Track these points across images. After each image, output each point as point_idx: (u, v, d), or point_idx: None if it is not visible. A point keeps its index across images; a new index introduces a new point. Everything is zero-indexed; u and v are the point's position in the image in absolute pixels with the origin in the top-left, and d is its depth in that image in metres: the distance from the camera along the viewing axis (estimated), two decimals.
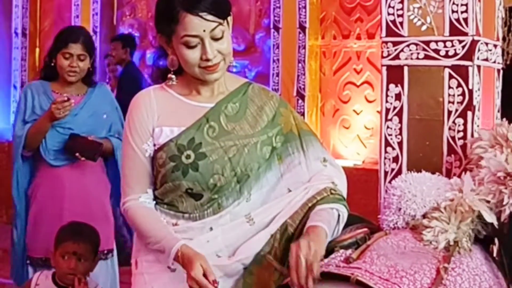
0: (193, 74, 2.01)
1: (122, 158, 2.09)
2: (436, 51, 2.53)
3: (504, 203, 2.12)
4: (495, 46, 2.64)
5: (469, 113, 2.48)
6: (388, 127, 2.62)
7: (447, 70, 2.52)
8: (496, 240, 2.23)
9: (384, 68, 2.65)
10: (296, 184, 2.05)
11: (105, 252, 3.35)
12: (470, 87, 2.48)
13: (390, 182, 2.41)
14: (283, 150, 2.07)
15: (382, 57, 2.65)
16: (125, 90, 5.65)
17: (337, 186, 2.05)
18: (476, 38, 2.49)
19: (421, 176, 2.30)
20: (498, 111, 2.71)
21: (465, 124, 2.49)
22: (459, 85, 2.50)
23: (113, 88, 6.03)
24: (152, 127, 2.03)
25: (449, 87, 2.52)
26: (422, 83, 2.56)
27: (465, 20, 2.48)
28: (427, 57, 2.55)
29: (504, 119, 2.38)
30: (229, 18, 2.02)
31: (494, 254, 2.23)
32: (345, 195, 2.07)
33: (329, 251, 1.99)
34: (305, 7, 5.42)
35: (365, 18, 5.32)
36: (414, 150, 2.58)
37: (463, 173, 2.37)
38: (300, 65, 5.47)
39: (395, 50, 2.61)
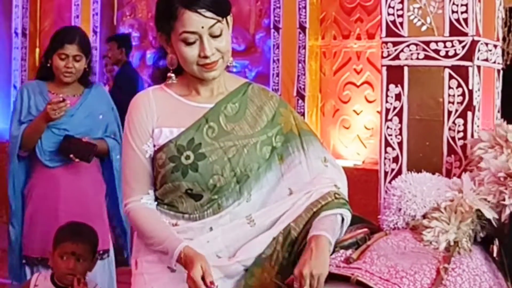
0: (192, 72, 2.01)
1: (123, 159, 2.09)
2: (436, 51, 2.53)
3: (504, 203, 2.12)
4: (495, 46, 2.64)
5: (469, 114, 2.48)
6: (388, 127, 2.62)
7: (447, 71, 2.52)
8: (496, 241, 2.24)
9: (384, 68, 2.65)
10: (296, 184, 2.05)
11: (101, 252, 3.35)
12: (470, 88, 2.48)
13: (390, 182, 2.40)
14: (284, 150, 2.07)
15: (382, 57, 2.65)
16: (120, 90, 5.65)
17: (340, 189, 2.05)
18: (476, 38, 2.49)
19: (421, 176, 2.30)
20: (498, 112, 2.71)
21: (465, 124, 2.49)
22: (459, 85, 2.50)
23: (110, 88, 6.03)
24: (151, 128, 2.03)
25: (449, 88, 2.52)
26: (422, 83, 2.56)
27: (465, 20, 2.48)
28: (427, 57, 2.55)
29: (505, 121, 2.38)
30: (229, 18, 2.03)
31: (494, 255, 2.23)
32: (347, 197, 2.07)
33: None
34: (305, 7, 5.42)
35: (365, 18, 5.32)
36: (414, 151, 2.58)
37: (463, 173, 2.37)
38: (300, 65, 5.47)
39: (395, 50, 2.61)
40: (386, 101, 2.63)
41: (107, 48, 6.44)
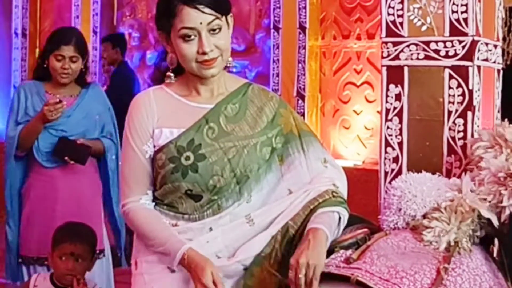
0: (191, 69, 2.01)
1: (122, 159, 2.09)
2: (436, 51, 2.53)
3: (504, 204, 2.12)
4: (495, 46, 2.64)
5: (469, 114, 2.48)
6: (388, 127, 2.62)
7: (447, 71, 2.52)
8: (496, 241, 2.24)
9: (384, 69, 2.65)
10: (296, 185, 2.05)
11: (97, 252, 3.35)
12: (470, 88, 2.48)
13: (390, 182, 2.40)
14: (284, 151, 2.07)
15: (382, 57, 2.65)
16: (116, 89, 5.65)
17: (339, 188, 2.05)
18: (476, 38, 2.49)
19: (421, 176, 2.30)
20: (498, 112, 2.71)
21: (465, 124, 2.49)
22: (459, 85, 2.50)
23: (107, 88, 6.02)
24: (152, 128, 2.03)
25: (449, 88, 2.52)
26: (422, 83, 2.56)
27: (465, 20, 2.48)
28: (427, 57, 2.55)
29: (506, 119, 2.38)
30: (230, 18, 2.03)
31: (494, 255, 2.23)
32: (345, 196, 2.07)
33: (329, 251, 1.99)
34: (305, 8, 5.41)
35: (365, 18, 5.32)
36: (414, 151, 2.58)
37: (463, 173, 2.37)
38: (300, 65, 5.46)
39: (395, 50, 2.61)
40: (386, 101, 2.63)
41: (102, 49, 6.43)
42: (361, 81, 5.35)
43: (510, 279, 2.13)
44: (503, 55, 2.83)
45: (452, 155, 2.50)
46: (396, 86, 2.61)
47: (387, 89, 2.63)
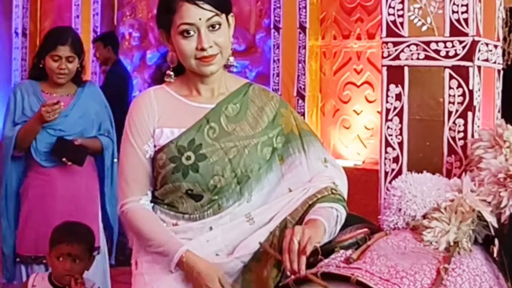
0: (190, 67, 2.01)
1: (122, 159, 2.09)
2: (437, 51, 2.53)
3: (504, 204, 2.12)
4: (496, 46, 2.64)
5: (470, 114, 2.48)
6: (388, 127, 2.63)
7: (447, 71, 2.52)
8: (496, 241, 2.24)
9: (385, 69, 2.65)
10: (296, 184, 2.05)
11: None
12: (471, 88, 2.48)
13: (390, 182, 2.40)
14: (284, 151, 2.07)
15: (383, 57, 2.65)
16: (111, 88, 5.64)
17: (338, 186, 2.05)
18: (476, 38, 2.49)
19: (421, 176, 2.30)
20: (499, 112, 2.72)
21: (465, 124, 2.49)
22: (459, 85, 2.50)
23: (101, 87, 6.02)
24: (152, 128, 2.03)
25: (450, 88, 2.52)
26: (422, 83, 2.56)
27: (466, 20, 2.49)
28: (427, 57, 2.55)
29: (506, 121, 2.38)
30: (230, 18, 2.04)
31: (495, 255, 2.23)
32: (345, 196, 2.08)
33: (329, 251, 1.99)
34: (305, 7, 5.41)
35: (366, 18, 5.32)
36: (415, 151, 2.58)
37: (464, 173, 2.37)
38: (300, 65, 5.46)
39: (396, 50, 2.61)
40: (387, 101, 2.63)
41: (94, 48, 6.42)
42: (361, 81, 5.35)
43: (510, 279, 2.13)
44: (503, 55, 2.83)
45: (452, 155, 2.51)
46: (397, 86, 2.61)
47: (388, 89, 2.63)
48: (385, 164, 2.63)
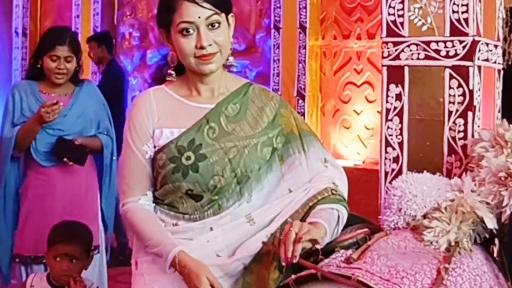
0: (189, 65, 2.01)
1: (122, 159, 2.09)
2: (437, 51, 2.53)
3: (504, 204, 2.12)
4: (496, 46, 2.64)
5: (470, 114, 2.48)
6: (388, 127, 2.63)
7: (447, 71, 2.52)
8: (496, 241, 2.24)
9: (385, 68, 2.65)
10: (296, 184, 2.05)
11: (92, 248, 3.35)
12: (471, 88, 2.48)
13: (390, 182, 2.41)
14: (284, 151, 2.07)
15: (383, 57, 2.65)
16: (107, 87, 5.63)
17: (338, 186, 2.05)
18: (476, 38, 2.49)
19: (421, 176, 2.30)
20: (499, 112, 2.72)
21: (465, 124, 2.49)
22: (459, 85, 2.50)
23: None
24: (152, 129, 2.03)
25: (450, 88, 2.52)
26: (422, 83, 2.56)
27: (466, 20, 2.49)
28: (427, 57, 2.55)
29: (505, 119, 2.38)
30: (230, 18, 2.04)
31: (495, 255, 2.23)
32: (346, 196, 2.07)
33: (330, 251, 1.99)
34: (305, 7, 5.41)
35: (366, 18, 5.32)
36: (415, 150, 2.58)
37: (464, 173, 2.37)
38: (300, 65, 5.46)
39: (396, 50, 2.61)
40: (387, 101, 2.63)
41: (88, 48, 6.41)
42: (361, 81, 5.35)
43: (511, 279, 2.13)
44: (503, 55, 2.83)
45: (453, 155, 2.51)
46: (397, 86, 2.61)
47: (388, 89, 2.63)
48: (385, 164, 2.63)
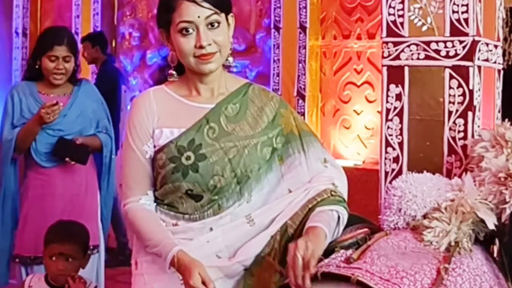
0: (189, 65, 2.02)
1: (123, 160, 2.09)
2: (437, 51, 2.53)
3: (505, 204, 2.12)
4: (496, 46, 2.64)
5: (470, 114, 2.48)
6: (388, 127, 2.62)
7: (447, 71, 2.52)
8: (496, 241, 2.24)
9: (385, 69, 2.65)
10: (296, 185, 2.05)
11: (91, 247, 3.35)
12: (471, 88, 2.48)
13: (390, 182, 2.40)
14: (284, 151, 2.07)
15: (383, 57, 2.65)
16: (102, 87, 5.61)
17: (338, 187, 2.05)
18: (476, 38, 2.49)
19: (421, 176, 2.30)
20: (499, 112, 2.72)
21: (465, 124, 2.49)
22: (459, 85, 2.50)
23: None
24: (152, 129, 2.03)
25: (450, 88, 2.52)
26: (422, 83, 2.56)
27: (466, 20, 2.48)
28: (427, 57, 2.55)
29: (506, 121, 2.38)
30: (230, 18, 2.04)
31: (495, 255, 2.23)
32: (345, 196, 2.07)
33: (330, 251, 1.99)
34: (305, 7, 5.41)
35: (366, 18, 5.32)
36: (415, 151, 2.58)
37: (464, 173, 2.37)
38: (300, 65, 5.46)
39: (396, 50, 2.61)
40: (387, 101, 2.63)
41: (82, 49, 6.39)
42: (361, 81, 5.35)
43: (511, 279, 2.13)
44: (503, 55, 2.83)
45: (453, 155, 2.50)
46: (397, 86, 2.61)
47: (388, 89, 2.63)
48: (385, 164, 2.63)
